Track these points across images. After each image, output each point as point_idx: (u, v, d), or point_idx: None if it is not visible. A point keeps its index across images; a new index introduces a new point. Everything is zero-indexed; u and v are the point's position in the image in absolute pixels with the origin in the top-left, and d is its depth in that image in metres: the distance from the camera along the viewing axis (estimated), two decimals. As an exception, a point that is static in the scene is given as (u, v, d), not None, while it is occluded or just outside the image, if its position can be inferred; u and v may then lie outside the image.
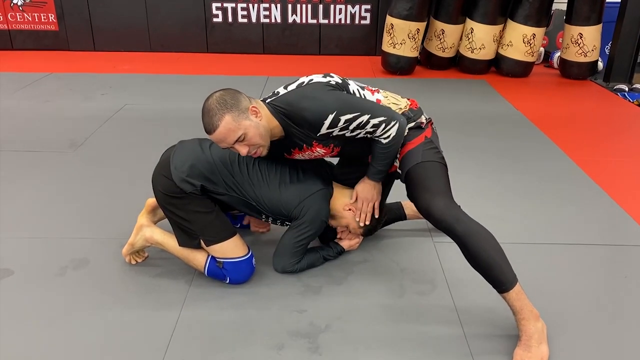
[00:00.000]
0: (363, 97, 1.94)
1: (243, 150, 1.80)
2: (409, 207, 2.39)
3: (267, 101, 1.90)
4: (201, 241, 1.99)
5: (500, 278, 1.71)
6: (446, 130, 3.70)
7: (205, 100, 1.79)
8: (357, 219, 2.08)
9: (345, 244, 2.20)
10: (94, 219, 2.50)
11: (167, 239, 2.08)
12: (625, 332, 1.85)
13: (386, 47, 5.16)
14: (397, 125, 1.86)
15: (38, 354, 1.71)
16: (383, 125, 1.84)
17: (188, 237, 2.00)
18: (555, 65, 5.54)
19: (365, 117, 1.81)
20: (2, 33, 5.91)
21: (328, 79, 1.90)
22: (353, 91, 1.93)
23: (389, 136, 1.86)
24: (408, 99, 2.06)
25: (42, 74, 5.02)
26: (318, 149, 1.94)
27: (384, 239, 2.36)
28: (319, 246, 2.20)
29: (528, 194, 2.82)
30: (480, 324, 1.86)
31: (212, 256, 2.01)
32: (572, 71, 5.18)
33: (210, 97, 1.79)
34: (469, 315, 1.91)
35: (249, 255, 2.03)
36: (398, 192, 2.66)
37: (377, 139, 1.88)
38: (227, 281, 2.02)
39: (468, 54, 5.23)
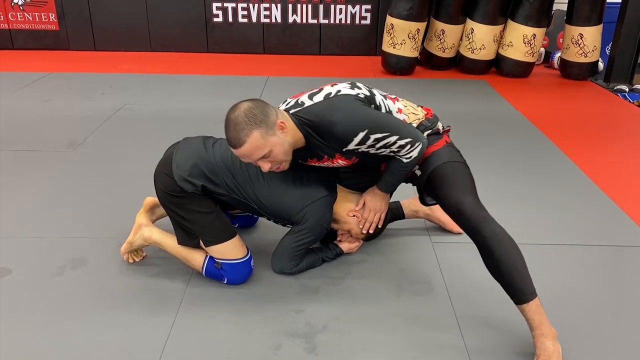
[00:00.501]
0: (387, 108, 1.89)
1: (266, 166, 1.75)
2: (407, 206, 2.38)
3: (291, 112, 1.82)
4: (200, 241, 1.99)
5: (521, 287, 1.66)
6: (446, 130, 3.72)
7: (230, 111, 1.71)
8: (361, 227, 2.07)
9: (344, 246, 2.19)
10: (92, 219, 2.50)
11: (165, 239, 2.07)
12: (624, 333, 1.84)
13: (386, 47, 5.15)
14: (420, 146, 1.83)
15: (36, 352, 1.72)
16: (409, 146, 1.81)
17: (187, 236, 2.00)
18: (556, 66, 5.53)
19: (394, 138, 1.77)
20: (2, 32, 5.92)
21: (357, 91, 1.83)
22: (379, 103, 1.88)
23: (410, 157, 1.84)
24: (423, 108, 2.03)
25: (42, 73, 5.03)
26: (339, 161, 1.90)
27: (382, 239, 2.36)
28: (317, 247, 2.20)
29: (527, 194, 2.82)
30: (478, 324, 1.86)
31: (210, 256, 2.01)
32: (573, 72, 5.17)
33: (237, 108, 1.70)
34: (467, 315, 1.90)
35: (248, 256, 2.03)
36: (397, 192, 2.65)
37: (398, 157, 1.85)
38: (225, 281, 2.02)
39: (468, 54, 5.22)
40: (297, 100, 1.85)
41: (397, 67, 5.18)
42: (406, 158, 1.85)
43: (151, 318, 1.87)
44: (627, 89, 4.91)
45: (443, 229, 2.43)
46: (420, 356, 1.73)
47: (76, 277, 2.09)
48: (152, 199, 2.21)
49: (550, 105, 4.43)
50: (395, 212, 2.38)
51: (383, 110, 1.87)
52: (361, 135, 1.74)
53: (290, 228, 2.07)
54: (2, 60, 5.56)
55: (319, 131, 1.78)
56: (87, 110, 4.04)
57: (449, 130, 2.03)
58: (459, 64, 5.41)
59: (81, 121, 3.79)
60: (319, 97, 1.81)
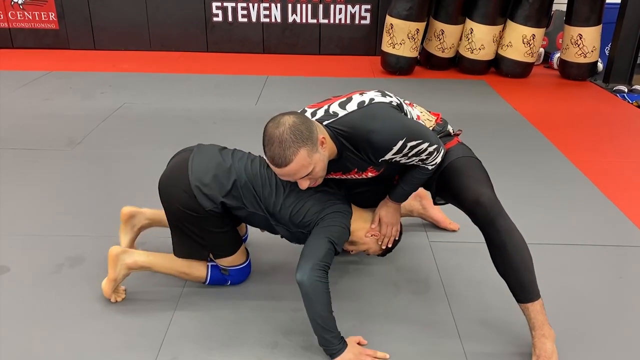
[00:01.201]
0: (411, 115, 1.87)
1: (305, 184, 1.66)
2: (402, 206, 2.35)
3: (324, 123, 1.72)
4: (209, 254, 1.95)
5: (529, 286, 1.66)
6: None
7: (273, 126, 1.59)
8: (380, 243, 1.98)
9: None
10: (90, 217, 2.51)
11: (155, 259, 1.93)
12: (620, 332, 1.85)
13: (386, 47, 5.16)
14: (442, 152, 1.81)
15: (33, 350, 1.72)
16: (435, 152, 1.76)
17: (198, 249, 1.90)
18: (555, 66, 5.54)
19: (425, 145, 1.72)
20: (2, 31, 5.92)
21: (389, 99, 1.78)
22: (407, 111, 1.85)
23: (435, 163, 1.80)
24: (432, 113, 2.02)
25: (42, 72, 5.03)
26: (370, 174, 1.84)
27: (380, 239, 2.37)
28: None
29: (526, 194, 2.82)
30: (474, 323, 1.87)
31: (213, 265, 1.99)
32: (572, 72, 5.17)
33: (281, 124, 1.57)
34: (463, 314, 1.91)
35: (249, 258, 2.05)
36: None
37: (424, 165, 1.80)
38: (228, 284, 2.03)
39: (468, 54, 5.23)
40: (327, 110, 1.75)
41: (397, 67, 5.18)
42: (431, 165, 1.80)
43: (149, 316, 1.88)
44: (626, 90, 4.91)
45: (440, 229, 2.43)
46: (417, 354, 1.73)
47: (74, 275, 2.10)
48: (129, 208, 2.09)
49: (549, 105, 4.44)
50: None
51: (409, 117, 1.86)
52: (400, 143, 1.67)
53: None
54: (1, 59, 5.56)
55: (355, 142, 1.70)
56: (87, 109, 4.05)
57: (459, 134, 2.03)
58: (458, 64, 5.41)
59: (80, 120, 3.80)
60: (352, 106, 1.72)
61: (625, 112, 4.32)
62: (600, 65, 5.36)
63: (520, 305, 1.70)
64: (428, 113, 2.01)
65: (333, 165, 1.77)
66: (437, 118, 2.01)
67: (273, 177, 1.82)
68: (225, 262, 1.97)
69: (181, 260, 1.95)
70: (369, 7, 5.88)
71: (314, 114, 1.76)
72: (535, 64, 5.35)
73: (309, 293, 1.64)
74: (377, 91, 1.81)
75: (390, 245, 2.00)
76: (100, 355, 1.71)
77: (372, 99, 1.74)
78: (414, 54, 5.14)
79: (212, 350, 1.73)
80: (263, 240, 2.33)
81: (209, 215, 1.80)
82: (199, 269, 1.97)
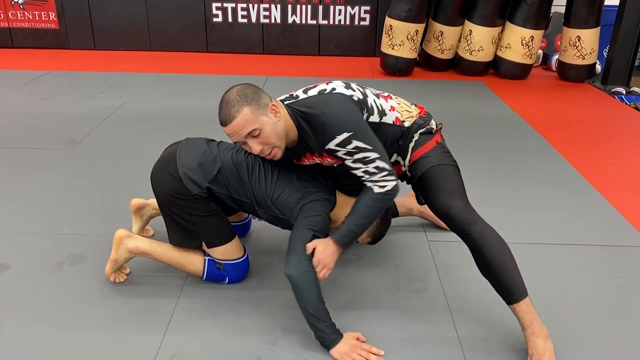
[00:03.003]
0: (380, 107, 1.88)
1: (257, 147, 1.72)
2: (402, 204, 2.40)
3: (285, 103, 1.83)
4: (202, 243, 1.98)
5: (511, 287, 1.69)
6: (444, 132, 3.72)
7: (224, 93, 1.74)
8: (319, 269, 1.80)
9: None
10: (90, 216, 2.52)
11: (156, 247, 2.00)
12: (618, 331, 1.86)
13: (385, 48, 5.18)
14: (395, 182, 1.76)
15: (33, 348, 1.73)
16: (385, 172, 1.74)
17: (189, 237, 1.97)
18: (554, 68, 5.56)
19: (374, 155, 1.73)
20: (2, 31, 5.93)
21: (351, 92, 1.82)
22: (371, 105, 1.86)
23: (384, 187, 1.74)
24: (416, 106, 2.04)
25: (42, 72, 5.04)
26: (328, 159, 1.89)
27: (378, 238, 2.38)
28: None
29: (524, 195, 2.84)
30: (473, 322, 1.88)
31: (209, 259, 2.00)
32: (570, 74, 5.20)
33: (231, 89, 1.73)
34: (462, 313, 1.92)
35: (246, 255, 2.05)
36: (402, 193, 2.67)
37: (371, 185, 1.75)
38: (226, 282, 2.04)
39: (466, 55, 5.25)
40: (291, 94, 1.87)
41: (396, 68, 5.20)
42: (379, 187, 1.73)
43: (149, 314, 1.89)
44: (624, 92, 4.93)
45: (439, 227, 2.44)
46: (416, 352, 1.74)
47: (75, 272, 2.11)
48: (137, 200, 2.18)
49: (548, 107, 4.45)
50: (390, 210, 2.38)
51: (375, 111, 1.87)
52: (345, 135, 1.71)
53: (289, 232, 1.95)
54: (2, 58, 5.57)
55: (310, 122, 1.77)
56: (87, 108, 4.06)
57: (440, 128, 2.03)
58: (457, 65, 5.43)
59: (80, 119, 3.81)
60: (313, 92, 1.83)
61: (623, 114, 4.35)
62: (598, 67, 5.38)
63: (509, 306, 1.72)
64: (409, 105, 2.01)
65: (298, 147, 1.86)
66: (421, 111, 2.02)
67: (257, 165, 1.94)
68: (218, 253, 1.98)
69: (179, 251, 2.00)
70: (368, 8, 5.90)
71: (281, 98, 1.88)
72: (533, 65, 5.37)
73: (299, 284, 1.71)
74: (343, 83, 1.86)
75: (326, 276, 1.80)
76: (101, 352, 1.72)
77: (333, 89, 1.81)
78: (413, 55, 5.16)
79: (212, 348, 1.74)
80: (262, 239, 2.34)
81: (196, 199, 1.89)
82: (194, 262, 2.00)
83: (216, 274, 2.02)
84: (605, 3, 5.03)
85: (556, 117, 4.17)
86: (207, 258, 2.01)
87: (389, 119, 1.89)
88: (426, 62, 5.46)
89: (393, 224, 2.43)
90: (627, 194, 2.87)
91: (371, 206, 1.76)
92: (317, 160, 1.93)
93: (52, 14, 5.89)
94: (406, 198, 2.41)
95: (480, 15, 5.04)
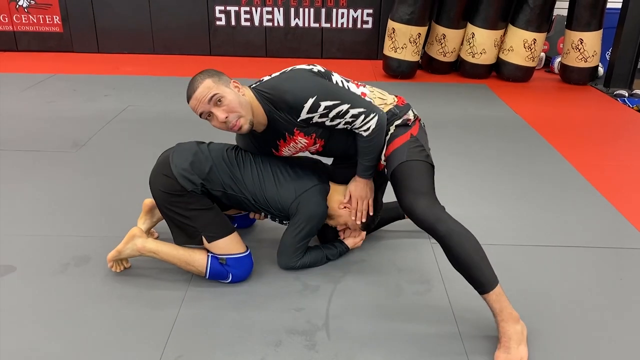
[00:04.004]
0: (347, 88, 1.96)
1: (221, 115, 1.80)
2: None
3: (251, 86, 1.95)
4: (203, 239, 2.01)
5: (480, 279, 1.73)
6: (447, 134, 3.74)
7: None
8: (353, 218, 2.11)
9: (349, 242, 2.23)
10: (95, 218, 2.53)
11: (162, 247, 2.05)
12: (621, 333, 1.86)
13: (387, 51, 5.19)
14: (376, 117, 1.88)
15: (39, 348, 1.74)
16: (362, 116, 1.86)
17: (188, 236, 2.03)
18: (556, 71, 5.57)
19: (345, 106, 1.84)
20: (7, 34, 5.97)
21: (311, 67, 1.93)
22: (336, 81, 1.95)
23: (368, 128, 1.88)
24: (396, 96, 2.08)
25: (46, 75, 5.07)
26: (299, 138, 1.96)
27: (381, 240, 2.39)
28: (323, 245, 2.22)
29: (527, 197, 2.85)
30: (476, 324, 1.88)
31: (212, 256, 2.03)
32: (573, 76, 5.20)
33: (197, 74, 1.86)
34: (465, 315, 1.93)
35: (249, 251, 2.07)
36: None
37: (357, 131, 1.90)
38: (229, 280, 2.04)
39: (469, 58, 5.26)
40: (259, 80, 1.98)
41: (398, 71, 5.21)
42: (364, 131, 1.88)
43: (153, 315, 1.90)
44: (626, 94, 4.93)
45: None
46: (419, 354, 1.75)
47: (79, 274, 2.12)
48: (150, 200, 2.24)
49: (550, 109, 4.46)
50: (394, 212, 2.40)
51: (340, 86, 1.95)
52: (311, 101, 1.81)
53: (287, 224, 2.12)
54: (6, 61, 5.61)
55: (275, 102, 1.86)
56: (91, 111, 4.08)
57: (419, 119, 2.05)
58: (459, 68, 5.44)
59: (85, 122, 3.83)
60: (276, 74, 1.94)
61: (626, 117, 4.35)
62: (600, 70, 5.39)
63: (480, 296, 1.77)
64: (384, 94, 2.04)
65: (269, 133, 1.96)
66: (399, 100, 2.04)
67: (248, 160, 2.05)
68: (219, 248, 2.01)
69: (183, 249, 2.04)
70: (371, 11, 5.92)
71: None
72: (536, 68, 5.39)
73: (302, 267, 2.13)
74: (308, 65, 1.94)
75: (364, 220, 2.10)
76: (105, 353, 1.73)
77: (294, 67, 1.92)
78: (415, 58, 5.17)
79: (216, 348, 1.75)
80: (265, 239, 2.35)
81: (192, 195, 1.97)
82: (198, 259, 2.03)
83: (219, 270, 2.03)
84: (608, 6, 5.05)
85: (559, 119, 4.18)
86: (210, 254, 2.04)
87: None
88: (429, 65, 5.47)
89: (395, 227, 2.45)
90: (630, 196, 2.87)
91: (367, 145, 1.93)
92: (291, 146, 2.00)
93: (56, 18, 5.92)
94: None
95: (482, 18, 5.06)
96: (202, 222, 1.99)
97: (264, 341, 1.78)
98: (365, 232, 2.25)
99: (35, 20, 5.93)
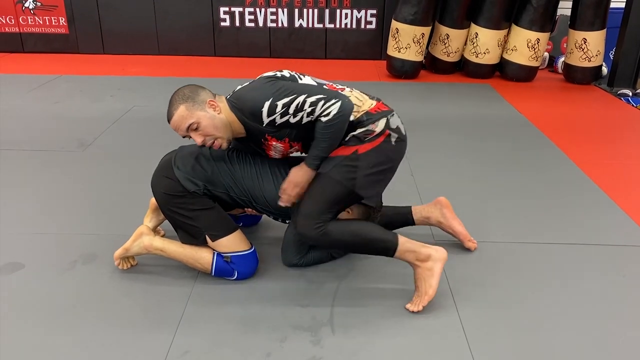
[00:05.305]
0: (316, 84, 1.95)
1: (198, 139, 1.90)
2: (419, 212, 2.31)
3: (227, 97, 2.00)
4: (207, 238, 2.03)
5: (378, 249, 1.95)
6: (450, 134, 3.76)
7: None
8: (280, 198, 1.98)
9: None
10: (101, 216, 2.56)
11: (169, 245, 2.09)
12: (623, 330, 1.87)
13: (391, 51, 5.21)
14: (339, 103, 1.82)
15: (47, 345, 1.76)
16: (321, 102, 1.82)
17: (191, 237, 2.05)
18: (560, 70, 5.57)
19: (301, 98, 1.83)
20: (13, 36, 6.01)
21: (276, 72, 1.98)
22: (304, 83, 1.95)
23: (328, 114, 1.82)
24: (377, 101, 2.01)
25: (52, 76, 5.11)
26: (274, 143, 1.97)
27: (386, 238, 2.40)
28: None
29: (531, 196, 2.86)
30: (481, 323, 1.89)
31: (217, 253, 2.05)
32: (576, 76, 5.20)
33: (175, 91, 1.94)
34: (470, 314, 1.94)
35: (253, 248, 2.09)
36: (409, 197, 2.70)
37: (317, 119, 1.85)
38: (235, 277, 2.06)
39: (472, 58, 5.27)
40: (234, 89, 2.02)
41: (402, 71, 5.23)
42: (324, 116, 1.83)
43: (160, 312, 1.92)
44: (630, 93, 4.93)
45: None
46: (424, 351, 1.76)
47: (87, 271, 2.14)
48: None
49: (554, 109, 4.46)
50: (404, 218, 2.34)
51: (299, 83, 1.96)
52: (267, 104, 1.83)
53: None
54: (13, 63, 5.65)
55: (242, 112, 1.91)
56: (97, 112, 4.11)
57: (388, 134, 1.93)
58: (463, 68, 5.45)
59: (90, 122, 3.86)
60: (246, 83, 1.99)
61: (630, 116, 4.35)
62: (604, 69, 5.38)
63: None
64: (363, 99, 1.97)
65: (250, 138, 2.01)
66: (373, 107, 1.96)
67: (248, 162, 2.07)
68: (223, 246, 2.03)
69: (190, 247, 2.07)
70: (374, 11, 5.94)
71: None
72: (539, 68, 5.38)
73: (306, 265, 2.17)
74: (276, 71, 1.99)
75: (287, 205, 1.99)
76: (113, 350, 1.75)
77: (261, 75, 1.98)
78: (419, 58, 5.18)
79: (223, 345, 1.77)
80: (270, 236, 2.37)
81: (193, 196, 2.00)
82: (204, 257, 2.05)
83: (225, 268, 2.05)
84: (611, 5, 5.05)
85: (562, 119, 4.18)
86: (215, 252, 2.06)
87: None
88: (432, 64, 5.48)
89: (400, 228, 2.46)
90: (634, 195, 2.88)
91: (324, 132, 1.86)
92: (273, 150, 2.03)
93: (62, 19, 5.96)
94: (424, 207, 2.33)
95: (486, 18, 5.06)
96: (205, 222, 2.02)
97: (270, 337, 1.80)
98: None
99: (41, 22, 5.97)
